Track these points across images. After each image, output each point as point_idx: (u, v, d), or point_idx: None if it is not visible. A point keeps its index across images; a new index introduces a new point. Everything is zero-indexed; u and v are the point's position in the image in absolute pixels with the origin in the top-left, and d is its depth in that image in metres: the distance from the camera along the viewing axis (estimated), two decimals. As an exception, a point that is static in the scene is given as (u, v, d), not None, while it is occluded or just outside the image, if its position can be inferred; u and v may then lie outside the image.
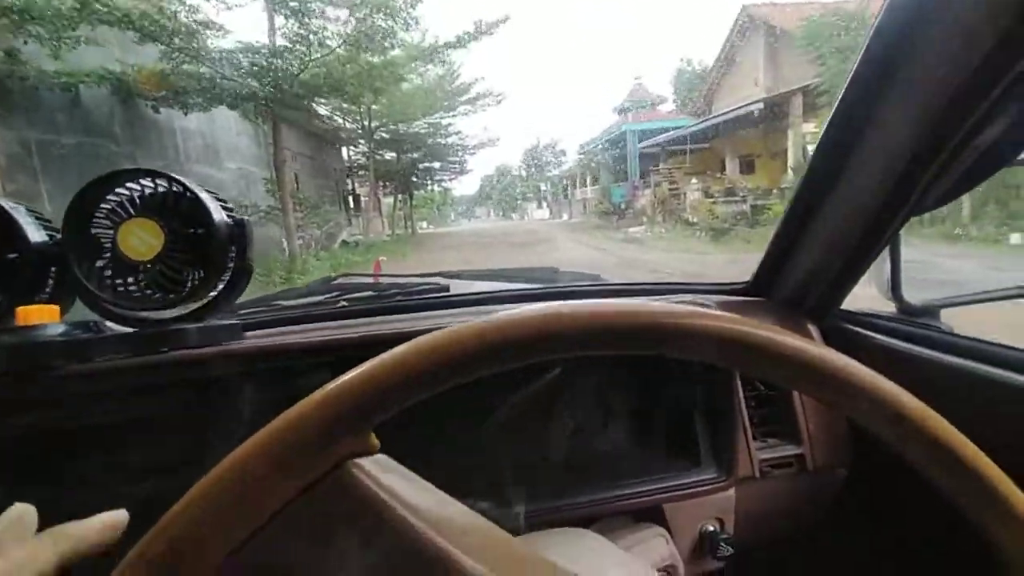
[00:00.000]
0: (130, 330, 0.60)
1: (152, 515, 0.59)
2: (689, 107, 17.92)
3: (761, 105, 10.74)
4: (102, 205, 0.60)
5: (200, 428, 0.59)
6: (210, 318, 0.65)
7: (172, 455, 0.58)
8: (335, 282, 1.06)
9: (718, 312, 0.27)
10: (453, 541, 0.23)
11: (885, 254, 0.70)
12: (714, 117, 12.60)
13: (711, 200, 11.57)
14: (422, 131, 16.04)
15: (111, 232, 0.59)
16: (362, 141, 15.79)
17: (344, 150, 17.15)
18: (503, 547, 0.27)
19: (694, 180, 12.85)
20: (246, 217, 0.65)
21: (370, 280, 1.08)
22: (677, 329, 0.25)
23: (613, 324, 0.25)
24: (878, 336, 0.70)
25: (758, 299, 0.81)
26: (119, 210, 0.59)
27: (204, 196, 0.61)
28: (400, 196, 19.81)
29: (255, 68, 7.63)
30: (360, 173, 17.75)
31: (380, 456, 0.26)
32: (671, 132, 14.86)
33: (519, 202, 40.97)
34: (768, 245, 0.78)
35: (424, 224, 29.27)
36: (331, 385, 0.24)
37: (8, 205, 0.59)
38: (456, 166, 20.34)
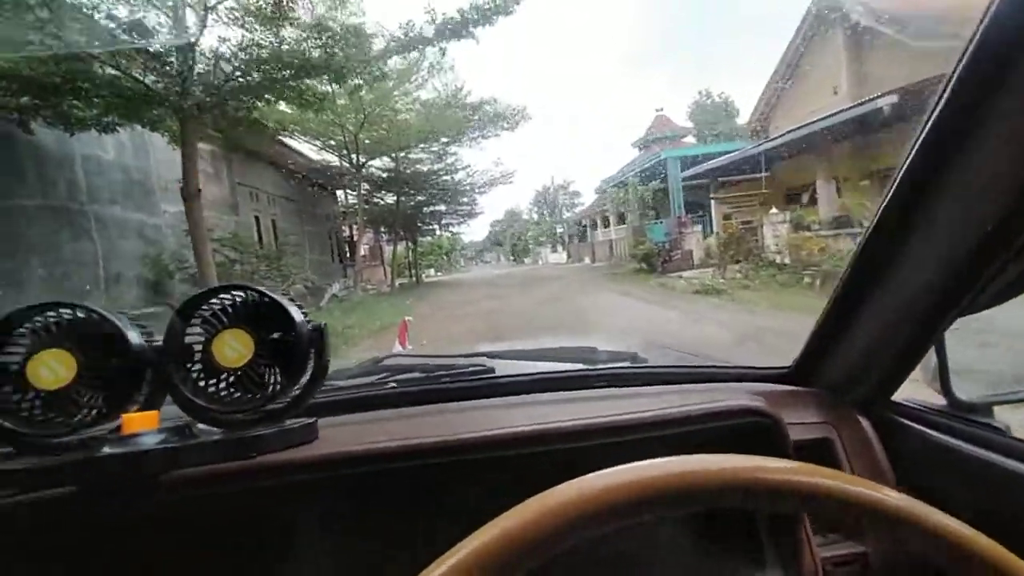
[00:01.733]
0: (218, 432, 0.63)
1: None
2: (713, 139, 17.74)
3: (894, 99, 7.24)
4: (197, 315, 0.66)
5: (282, 531, 0.61)
6: (287, 417, 0.69)
7: (255, 565, 0.60)
8: (383, 363, 1.10)
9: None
10: None
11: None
12: (805, 125, 8.93)
13: (809, 233, 8.97)
14: (424, 167, 14.27)
15: (203, 339, 0.65)
16: (365, 185, 14.07)
17: (341, 194, 15.75)
18: None
19: (774, 210, 10.28)
20: (323, 323, 0.70)
21: (417, 360, 1.12)
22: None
23: (749, 486, 0.28)
24: (932, 432, 0.71)
25: (806, 389, 0.83)
26: (214, 320, 0.65)
27: (286, 303, 0.67)
28: (408, 243, 18.43)
29: (169, 65, 5.66)
30: (358, 219, 15.81)
31: None
32: (733, 154, 11.74)
33: (531, 246, 39.23)
34: (814, 328, 0.79)
35: (432, 272, 27.80)
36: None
37: (112, 316, 0.66)
38: (465, 207, 18.61)
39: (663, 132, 20.79)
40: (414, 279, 18.86)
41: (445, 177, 15.57)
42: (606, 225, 22.86)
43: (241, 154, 9.16)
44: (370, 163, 13.29)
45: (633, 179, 16.10)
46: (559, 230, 33.88)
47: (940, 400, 0.75)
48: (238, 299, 0.66)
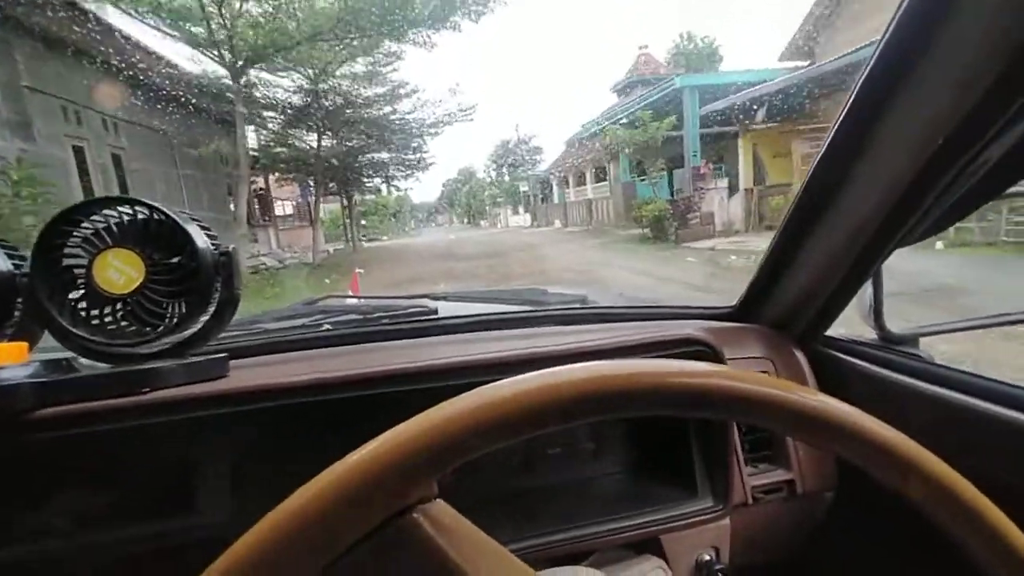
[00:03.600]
0: (106, 367, 0.56)
1: (131, 567, 0.55)
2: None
3: None
4: (75, 233, 0.56)
5: (179, 471, 0.56)
6: (193, 352, 0.61)
7: (150, 502, 0.54)
8: (319, 304, 1.03)
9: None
10: None
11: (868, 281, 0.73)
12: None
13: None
14: (356, 92, 10.32)
15: (85, 262, 0.56)
16: (270, 113, 10.00)
17: (253, 135, 10.82)
18: None
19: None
20: (231, 246, 0.62)
21: (356, 302, 1.05)
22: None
23: (692, 389, 0.25)
24: (861, 363, 0.72)
25: (746, 325, 0.83)
26: (94, 239, 0.56)
27: (184, 222, 0.59)
28: (343, 200, 14.68)
29: None
30: (280, 166, 11.94)
31: (439, 502, 0.26)
32: (776, 81, 8.08)
33: (488, 207, 34.16)
34: (756, 269, 0.79)
35: (377, 235, 23.40)
36: (406, 428, 0.24)
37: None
38: (412, 156, 13.68)
39: (648, 74, 17.01)
40: (350, 245, 14.87)
41: (384, 109, 11.23)
42: (580, 183, 18.73)
43: (37, 41, 5.57)
44: (274, 80, 9.31)
45: (622, 122, 12.03)
46: (523, 188, 28.63)
47: (874, 336, 0.77)
48: (125, 216, 0.57)
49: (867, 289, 0.74)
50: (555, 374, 0.25)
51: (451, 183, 42.29)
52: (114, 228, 0.56)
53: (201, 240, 0.59)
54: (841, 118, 0.55)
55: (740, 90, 8.74)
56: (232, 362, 0.65)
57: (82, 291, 0.56)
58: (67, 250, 0.56)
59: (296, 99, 10.24)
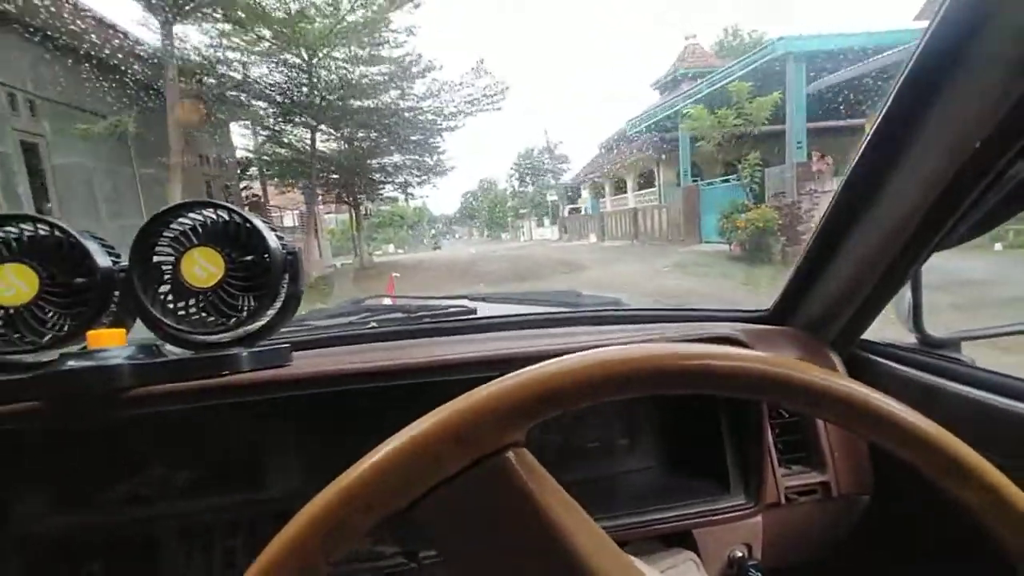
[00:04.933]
0: (189, 353, 0.63)
1: (206, 535, 0.61)
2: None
3: None
4: (165, 234, 0.64)
5: (249, 450, 0.62)
6: (261, 342, 0.68)
7: (220, 477, 0.61)
8: (365, 303, 1.09)
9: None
10: (577, 542, 0.27)
11: (907, 285, 0.73)
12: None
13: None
14: (356, 73, 8.53)
15: (172, 259, 0.63)
16: (260, 104, 8.45)
17: (241, 133, 9.67)
18: (620, 558, 0.30)
19: None
20: (298, 247, 0.69)
21: (399, 302, 1.11)
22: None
23: (767, 374, 0.27)
24: (900, 367, 0.72)
25: (782, 328, 0.84)
26: (182, 239, 0.63)
27: (261, 226, 0.65)
28: (352, 210, 12.54)
29: None
30: (275, 168, 10.00)
31: (526, 450, 0.29)
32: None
33: (511, 219, 32.11)
34: (791, 272, 0.80)
35: (391, 248, 21.65)
36: (509, 379, 0.27)
37: (78, 233, 0.63)
38: (428, 159, 11.56)
39: (697, 66, 14.27)
40: (358, 259, 12.78)
41: (392, 93, 9.04)
42: (619, 190, 16.73)
43: None
44: (248, 60, 7.74)
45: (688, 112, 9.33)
46: (550, 198, 26.82)
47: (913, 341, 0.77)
48: (209, 218, 0.64)
49: (906, 293, 0.74)
50: (637, 349, 0.28)
51: (471, 195, 40.75)
52: (199, 229, 0.63)
53: (273, 241, 0.66)
54: (879, 120, 0.56)
55: (856, 59, 6.70)
56: (295, 352, 0.72)
57: (169, 285, 0.63)
58: (158, 248, 0.64)
59: (278, 77, 8.34)
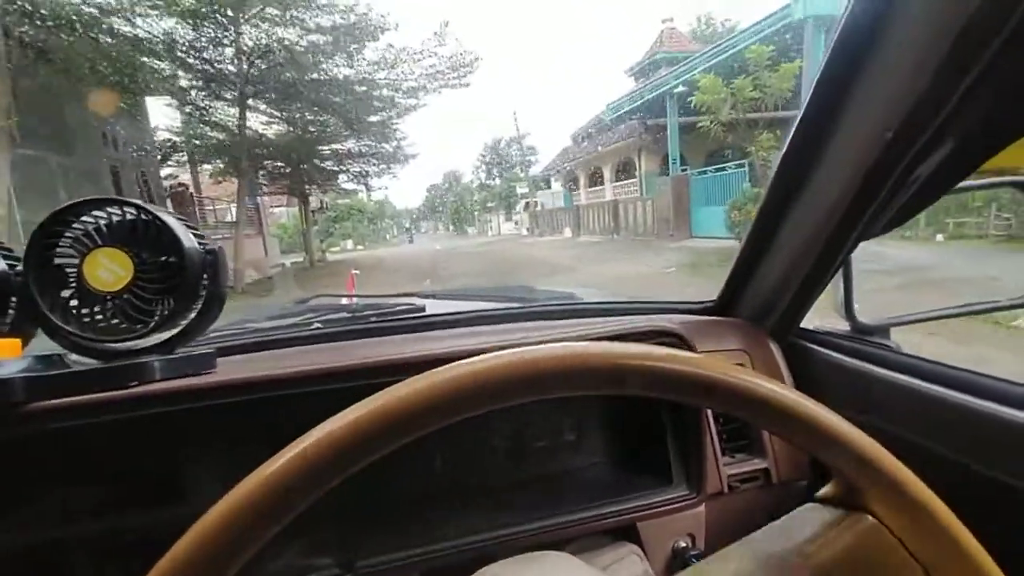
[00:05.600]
0: (95, 363, 0.58)
1: (122, 557, 0.57)
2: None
3: None
4: (67, 234, 0.59)
5: (167, 464, 0.58)
6: (181, 348, 0.64)
7: (140, 493, 0.56)
8: (309, 303, 1.05)
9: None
10: None
11: (839, 275, 0.75)
12: None
13: None
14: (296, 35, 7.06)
15: (76, 262, 0.58)
16: (185, 77, 7.21)
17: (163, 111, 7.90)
18: None
19: None
20: (218, 245, 0.64)
21: (345, 301, 1.07)
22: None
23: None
24: (834, 354, 0.74)
25: (725, 319, 0.85)
26: (85, 239, 0.58)
27: (173, 223, 0.61)
28: (300, 204, 11.10)
29: None
30: (200, 153, 8.46)
31: None
32: None
33: (477, 213, 30.44)
34: (732, 264, 0.81)
35: (350, 245, 19.53)
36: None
37: (-35, 234, 0.58)
38: (384, 143, 9.91)
39: (675, 50, 13.66)
40: (308, 260, 11.25)
41: (336, 58, 7.65)
42: (595, 182, 15.53)
43: None
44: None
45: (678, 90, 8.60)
46: (520, 190, 24.82)
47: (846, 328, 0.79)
48: (114, 217, 0.59)
49: (839, 282, 0.76)
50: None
51: (436, 188, 39.20)
52: (103, 228, 0.58)
53: (188, 239, 0.61)
54: (802, 112, 0.57)
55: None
56: (221, 359, 0.67)
57: (73, 289, 0.58)
58: (59, 250, 0.58)
59: (189, 35, 6.74)
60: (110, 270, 0.57)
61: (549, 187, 20.63)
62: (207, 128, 8.23)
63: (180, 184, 10.01)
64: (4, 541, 0.54)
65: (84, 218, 0.59)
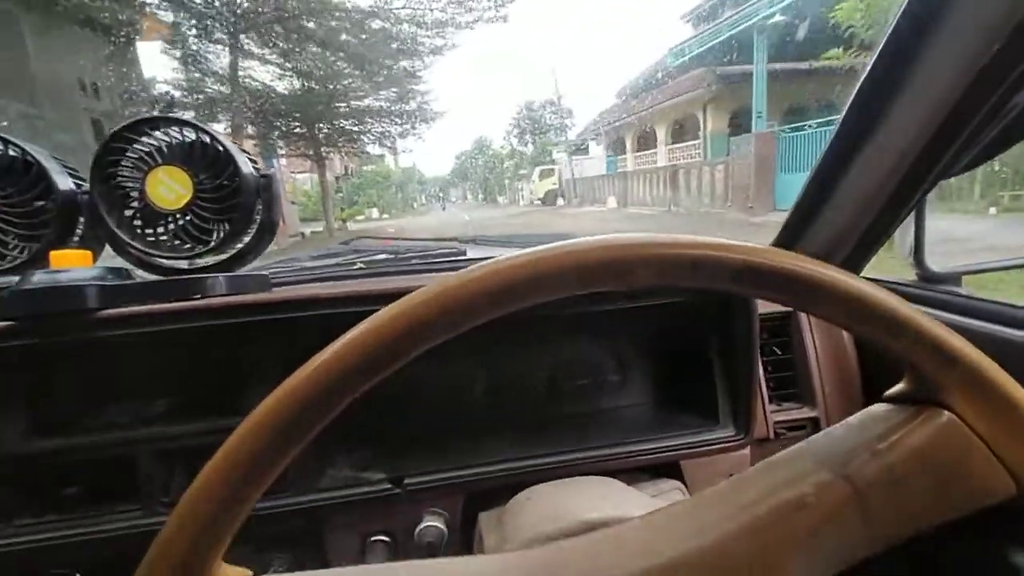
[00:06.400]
0: (160, 278, 0.60)
1: (184, 459, 0.60)
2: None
3: None
4: (129, 154, 0.60)
5: (226, 375, 0.60)
6: (237, 270, 0.65)
7: (197, 402, 0.59)
8: (353, 244, 1.06)
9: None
10: None
11: (910, 221, 0.70)
12: None
13: None
14: None
15: (139, 181, 0.59)
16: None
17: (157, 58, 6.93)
18: None
19: None
20: (272, 171, 0.65)
21: (388, 244, 1.08)
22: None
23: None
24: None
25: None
26: (147, 158, 0.59)
27: (230, 146, 0.61)
28: (342, 171, 10.10)
29: None
30: (194, 104, 7.11)
31: None
32: None
33: (508, 181, 27.56)
34: (796, 200, 0.76)
35: (375, 213, 17.48)
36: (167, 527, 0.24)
37: (35, 152, 0.59)
38: (408, 105, 8.65)
39: None
40: (326, 229, 10.31)
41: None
42: (644, 145, 13.05)
43: None
44: None
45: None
46: (556, 154, 21.65)
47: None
48: (174, 137, 0.60)
49: (909, 228, 0.71)
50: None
51: (465, 155, 36.73)
52: (164, 149, 0.59)
53: (244, 164, 0.62)
54: (882, 45, 0.53)
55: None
56: (274, 288, 0.69)
57: (135, 208, 0.60)
58: (122, 169, 0.60)
59: None
60: (171, 188, 0.59)
61: (586, 152, 18.48)
62: (203, 77, 6.96)
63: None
64: (78, 441, 0.58)
65: (146, 139, 0.60)
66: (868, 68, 0.57)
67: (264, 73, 7.16)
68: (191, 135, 0.60)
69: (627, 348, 0.75)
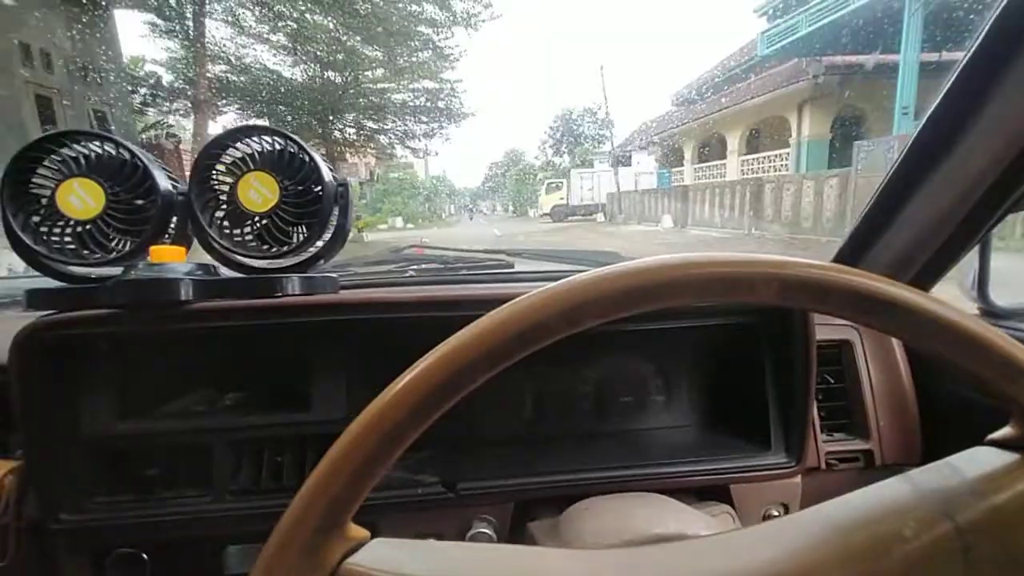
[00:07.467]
0: (243, 275, 0.64)
1: (255, 449, 0.63)
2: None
3: None
4: (223, 159, 0.65)
5: (294, 371, 0.63)
6: (310, 272, 0.69)
7: (268, 396, 0.63)
8: (404, 252, 1.10)
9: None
10: None
11: (973, 253, 0.69)
12: None
13: None
14: None
15: (229, 184, 0.64)
16: None
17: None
18: None
19: None
20: (348, 179, 0.69)
21: (438, 252, 1.12)
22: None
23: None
24: None
25: None
26: (240, 164, 0.64)
27: (317, 157, 0.66)
28: (367, 176, 8.80)
29: None
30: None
31: (374, 543, 0.28)
32: None
33: (540, 195, 25.65)
34: (858, 220, 0.75)
35: (399, 223, 16.08)
36: (298, 496, 0.25)
37: (142, 155, 0.65)
38: (440, 103, 7.60)
39: None
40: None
41: None
42: (704, 157, 11.31)
43: None
44: None
45: None
46: (598, 165, 19.83)
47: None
48: (266, 145, 0.65)
49: (973, 261, 0.70)
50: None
51: (496, 167, 36.03)
52: (256, 156, 0.64)
53: (326, 173, 0.66)
54: (965, 61, 0.52)
55: None
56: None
57: (225, 210, 0.65)
58: (216, 173, 0.65)
59: None
60: (260, 192, 0.63)
61: (628, 164, 16.55)
62: (194, 56, 5.68)
63: (170, 136, 7.58)
64: (158, 426, 0.62)
65: (240, 145, 0.65)
66: (948, 84, 0.56)
67: (268, 58, 6.12)
68: (280, 144, 0.65)
69: (677, 368, 0.75)
